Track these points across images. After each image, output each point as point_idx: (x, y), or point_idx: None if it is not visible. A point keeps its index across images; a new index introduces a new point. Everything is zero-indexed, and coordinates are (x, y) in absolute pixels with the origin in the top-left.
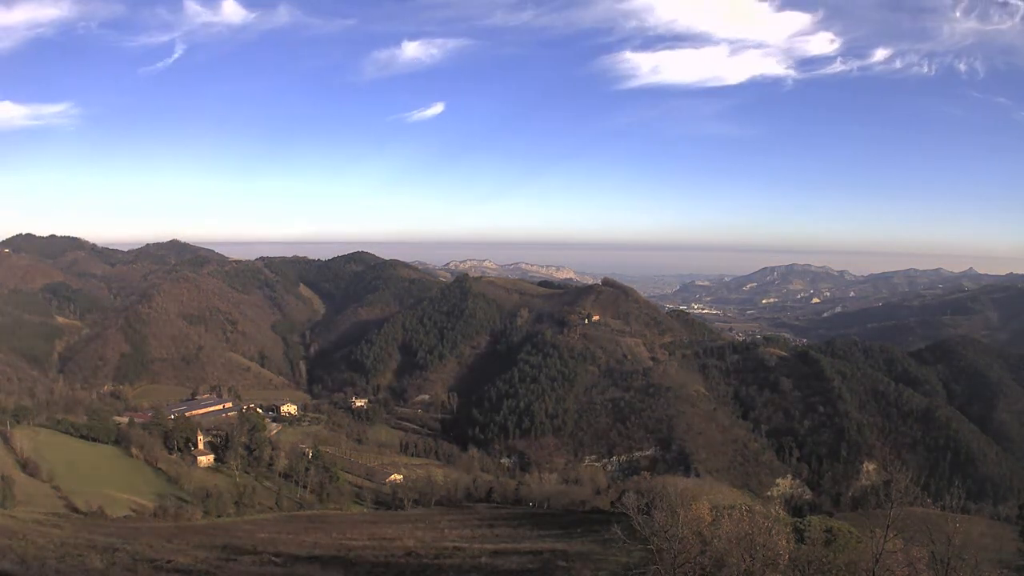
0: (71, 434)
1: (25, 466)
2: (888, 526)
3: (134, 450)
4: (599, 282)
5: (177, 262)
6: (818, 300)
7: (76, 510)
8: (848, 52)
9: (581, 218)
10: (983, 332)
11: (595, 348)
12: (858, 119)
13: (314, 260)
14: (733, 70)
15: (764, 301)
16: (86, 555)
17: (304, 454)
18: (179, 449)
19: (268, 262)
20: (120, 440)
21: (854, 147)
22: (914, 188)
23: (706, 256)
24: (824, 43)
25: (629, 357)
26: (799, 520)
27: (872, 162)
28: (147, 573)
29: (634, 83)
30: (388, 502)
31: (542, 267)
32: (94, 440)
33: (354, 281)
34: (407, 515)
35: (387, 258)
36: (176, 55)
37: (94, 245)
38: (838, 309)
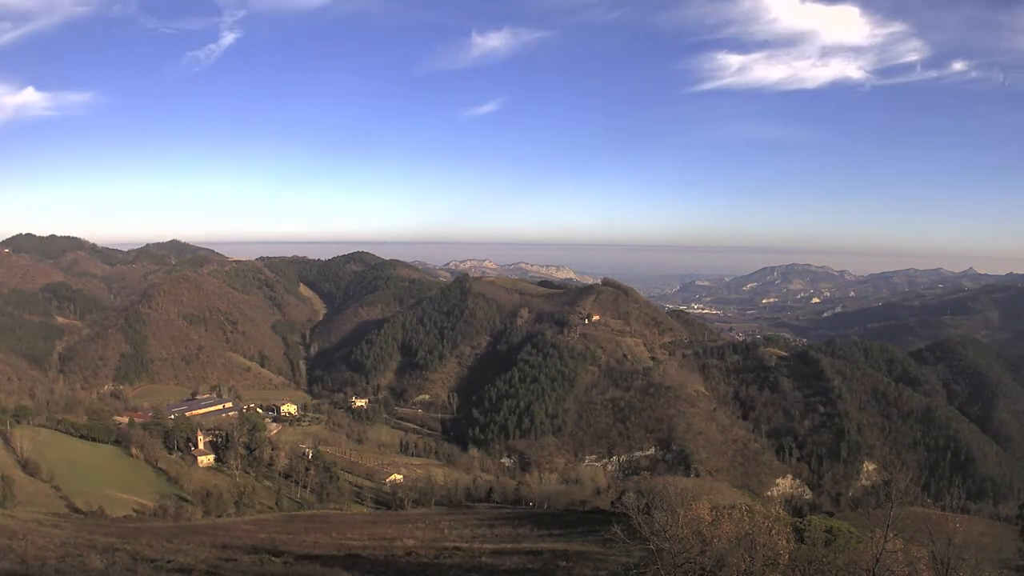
0: (71, 434)
1: (25, 466)
2: (888, 526)
3: (134, 450)
4: (599, 282)
5: (177, 262)
6: (818, 300)
7: (76, 510)
8: (930, 62)
9: (583, 218)
10: (983, 332)
11: (595, 348)
12: (877, 125)
13: (314, 260)
14: (816, 73)
15: (764, 301)
16: (86, 555)
17: (304, 454)
18: (179, 449)
19: (268, 262)
20: (120, 440)
21: (859, 150)
22: (914, 188)
23: (706, 256)
24: (910, 52)
25: (629, 357)
26: (799, 520)
27: (873, 163)
28: (147, 573)
29: (702, 87)
30: (388, 502)
31: (542, 267)
32: (94, 440)
33: (354, 281)
34: (407, 515)
35: (387, 258)
36: (226, 40)
37: (94, 245)
38: (838, 309)
